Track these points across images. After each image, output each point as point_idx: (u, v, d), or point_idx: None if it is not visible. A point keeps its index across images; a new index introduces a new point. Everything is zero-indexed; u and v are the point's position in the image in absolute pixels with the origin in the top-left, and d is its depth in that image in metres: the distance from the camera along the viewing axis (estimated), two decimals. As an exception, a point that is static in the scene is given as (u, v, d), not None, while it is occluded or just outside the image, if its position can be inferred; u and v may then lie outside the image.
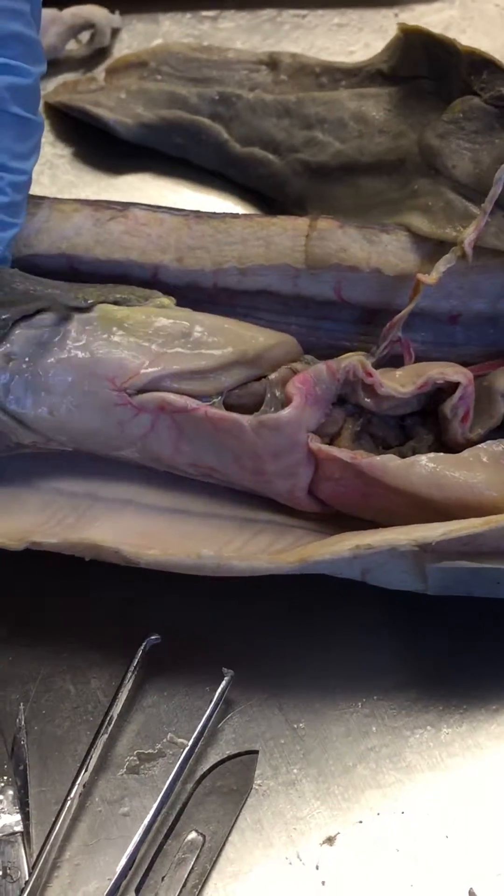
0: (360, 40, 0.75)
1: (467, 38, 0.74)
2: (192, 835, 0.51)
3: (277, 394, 0.53)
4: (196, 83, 0.70)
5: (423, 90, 0.61)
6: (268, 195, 0.68)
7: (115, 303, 0.54)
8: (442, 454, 0.52)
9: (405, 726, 0.55)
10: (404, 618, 0.56)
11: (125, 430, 0.53)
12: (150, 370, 0.53)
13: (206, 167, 0.70)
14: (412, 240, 0.56)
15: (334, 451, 0.53)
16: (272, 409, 0.53)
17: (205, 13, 0.76)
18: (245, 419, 0.52)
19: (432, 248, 0.56)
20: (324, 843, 0.52)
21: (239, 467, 0.54)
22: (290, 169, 0.66)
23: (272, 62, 0.69)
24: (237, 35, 0.75)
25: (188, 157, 0.70)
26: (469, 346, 0.59)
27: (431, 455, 0.52)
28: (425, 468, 0.52)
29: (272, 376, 0.54)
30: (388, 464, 0.52)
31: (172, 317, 0.54)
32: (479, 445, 0.53)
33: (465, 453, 0.53)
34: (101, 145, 0.71)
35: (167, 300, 0.55)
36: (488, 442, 0.53)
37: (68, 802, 0.50)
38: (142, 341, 0.53)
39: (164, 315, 0.54)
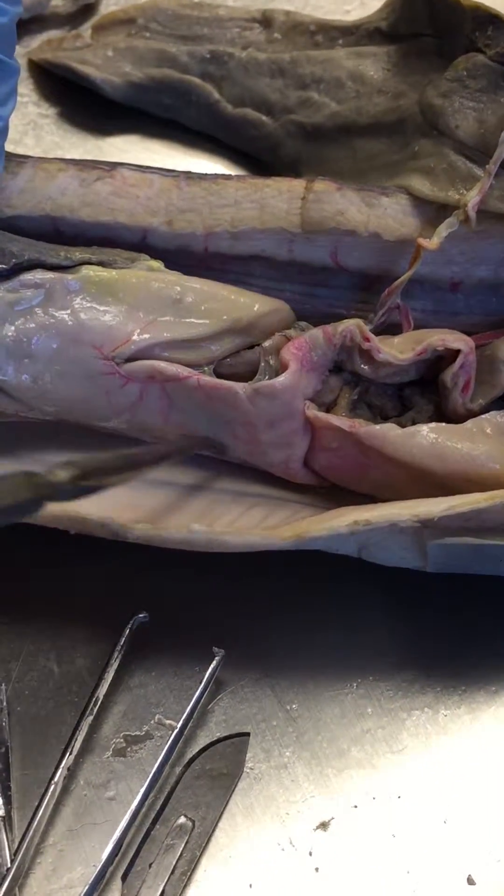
0: (357, -1, 0.73)
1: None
2: (181, 820, 0.49)
3: (272, 362, 0.51)
4: (186, 41, 0.67)
5: (425, 48, 0.59)
6: (260, 158, 0.66)
7: (101, 264, 0.51)
8: (444, 424, 0.51)
9: (402, 708, 0.53)
10: (402, 596, 0.55)
11: (112, 400, 0.51)
12: (139, 338, 0.51)
13: (196, 129, 0.68)
14: (413, 203, 0.54)
15: (332, 419, 0.51)
16: (266, 377, 0.51)
17: (196, -31, 0.73)
18: (240, 387, 0.50)
19: (434, 211, 0.54)
20: (317, 828, 0.50)
21: (232, 437, 0.52)
22: (284, 131, 0.63)
23: (265, 20, 0.66)
24: (229, -8, 0.73)
25: (178, 118, 0.68)
26: (470, 314, 0.57)
27: (433, 425, 0.50)
28: (426, 438, 0.50)
29: (266, 344, 0.52)
30: (387, 433, 0.50)
31: (163, 280, 0.52)
32: (483, 416, 0.51)
33: (468, 424, 0.51)
34: (87, 105, 0.68)
35: (156, 263, 0.52)
36: (492, 413, 0.51)
37: (52, 786, 0.49)
38: (131, 307, 0.51)
39: (153, 279, 0.51)
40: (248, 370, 0.52)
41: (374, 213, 0.54)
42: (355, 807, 0.51)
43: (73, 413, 0.52)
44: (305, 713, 0.52)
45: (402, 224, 0.54)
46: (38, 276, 0.50)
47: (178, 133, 0.68)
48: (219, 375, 0.52)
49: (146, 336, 0.51)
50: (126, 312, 0.51)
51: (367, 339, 0.51)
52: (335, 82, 0.61)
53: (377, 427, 0.50)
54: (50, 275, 0.50)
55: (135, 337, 0.50)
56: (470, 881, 0.49)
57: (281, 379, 0.50)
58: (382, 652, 0.54)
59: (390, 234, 0.54)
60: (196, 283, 0.52)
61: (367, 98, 0.60)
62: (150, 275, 0.52)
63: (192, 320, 0.51)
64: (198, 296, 0.51)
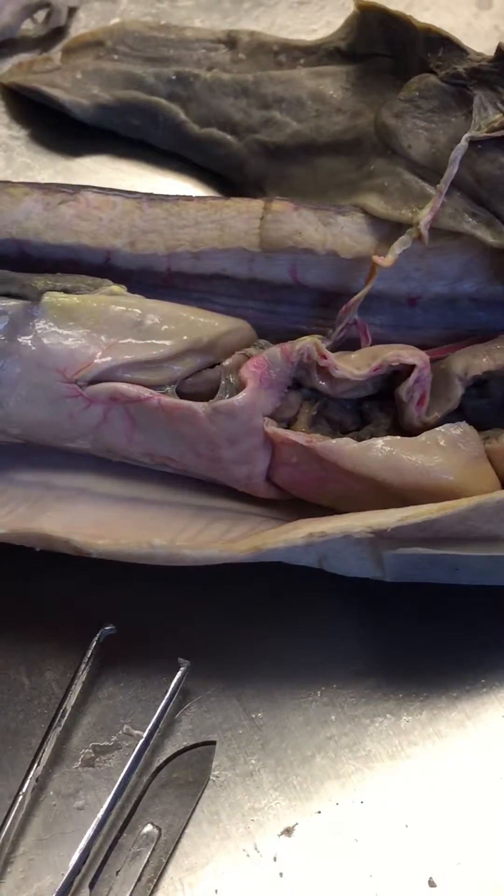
0: (322, 18, 0.74)
1: (430, 14, 0.73)
2: (148, 828, 0.50)
3: (232, 380, 0.53)
4: (153, 63, 0.68)
5: (382, 68, 0.60)
6: (227, 176, 0.67)
7: (65, 291, 0.53)
8: (398, 438, 0.52)
9: (364, 714, 0.54)
10: (364, 604, 0.56)
11: (77, 422, 0.52)
12: (101, 361, 0.52)
13: (164, 148, 0.69)
14: (368, 221, 0.55)
15: (290, 434, 0.52)
16: (227, 396, 0.52)
17: (164, -9, 0.75)
18: (199, 406, 0.51)
19: (389, 229, 0.55)
20: (282, 834, 0.51)
21: (195, 455, 0.53)
22: (248, 149, 0.64)
23: (230, 41, 0.68)
24: (196, 13, 0.74)
25: (146, 139, 0.69)
26: (428, 328, 0.58)
27: (388, 438, 0.51)
28: (381, 451, 0.51)
29: (226, 362, 0.53)
30: (343, 447, 0.51)
31: (124, 304, 0.53)
32: (437, 429, 0.52)
33: (422, 437, 0.52)
34: (57, 127, 0.70)
35: (117, 288, 0.54)
36: (446, 425, 0.52)
37: (21, 797, 0.50)
38: (92, 331, 0.52)
39: (114, 303, 0.53)
40: (209, 388, 0.53)
41: (330, 231, 0.55)
42: (319, 812, 0.52)
43: (38, 435, 0.53)
44: (270, 721, 0.54)
45: (358, 242, 0.55)
46: (0, 304, 0.52)
47: (146, 153, 0.69)
48: (181, 395, 0.53)
49: (108, 359, 0.52)
50: (88, 336, 0.52)
51: (324, 357, 0.52)
52: (296, 102, 0.63)
53: (334, 441, 0.51)
54: (12, 302, 0.52)
55: (97, 360, 0.52)
56: (431, 884, 0.50)
57: (239, 397, 0.51)
58: (346, 659, 0.55)
59: (347, 251, 0.55)
60: (156, 305, 0.53)
61: (326, 117, 0.61)
62: (110, 298, 0.53)
63: (154, 341, 0.52)
64: (158, 317, 0.53)
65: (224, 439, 0.52)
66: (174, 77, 0.67)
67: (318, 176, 0.61)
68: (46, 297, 0.52)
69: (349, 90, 0.61)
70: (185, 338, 0.52)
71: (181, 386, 0.53)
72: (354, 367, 0.53)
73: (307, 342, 0.52)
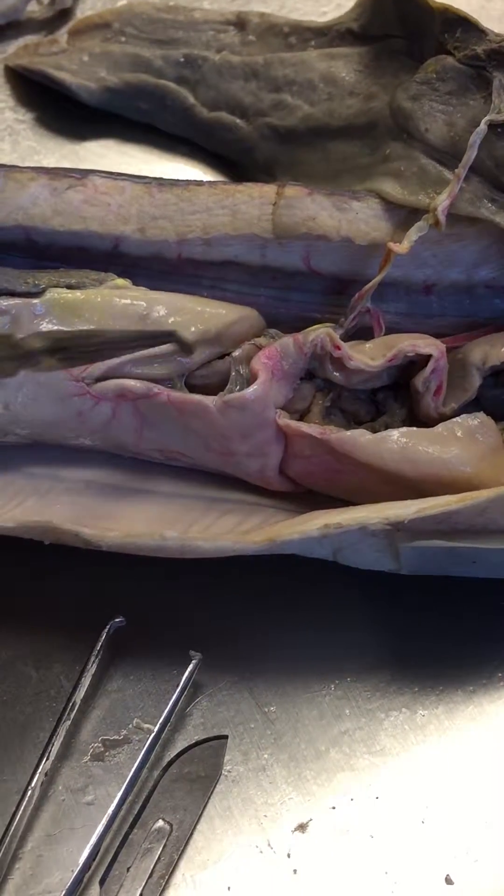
0: (333, 0, 0.73)
1: (442, -3, 0.72)
2: (159, 823, 0.49)
3: (242, 371, 0.52)
4: (161, 45, 0.67)
5: (396, 49, 0.59)
6: (236, 161, 0.66)
7: (69, 287, 0.52)
8: (414, 429, 0.51)
9: (379, 708, 0.53)
10: (379, 597, 0.55)
11: (86, 421, 0.52)
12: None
13: (172, 133, 0.68)
14: (384, 207, 0.54)
15: (303, 426, 0.51)
16: (237, 388, 0.51)
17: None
18: (209, 400, 0.50)
19: (405, 215, 0.54)
20: (295, 830, 0.50)
21: (207, 450, 0.52)
22: (259, 134, 0.63)
23: (240, 22, 0.66)
24: (205, -6, 0.73)
25: (154, 123, 0.68)
26: (444, 317, 0.57)
27: (404, 430, 0.50)
28: (397, 443, 0.50)
29: (235, 353, 0.52)
30: (358, 438, 0.50)
31: (129, 297, 0.52)
32: (454, 419, 0.51)
33: (439, 428, 0.51)
34: (63, 110, 0.69)
35: (122, 281, 0.52)
36: (463, 416, 0.51)
37: (30, 791, 0.49)
38: (97, 326, 0.51)
39: (119, 296, 0.51)
40: (220, 380, 0.52)
41: (345, 217, 0.54)
42: (333, 808, 0.51)
43: (47, 434, 0.52)
44: (283, 715, 0.53)
45: (374, 228, 0.54)
46: (3, 302, 0.50)
47: (154, 137, 0.68)
48: (191, 387, 0.52)
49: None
50: (93, 332, 0.51)
51: (338, 348, 0.51)
52: (307, 84, 0.61)
53: (348, 433, 0.50)
54: (15, 300, 0.51)
55: (103, 357, 0.51)
56: (448, 881, 0.50)
57: (251, 390, 0.50)
58: (360, 653, 0.54)
59: (362, 238, 0.54)
60: (161, 297, 0.52)
61: (338, 100, 0.60)
62: (115, 292, 0.52)
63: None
64: (164, 309, 0.51)
65: (236, 433, 0.51)
66: (182, 60, 0.66)
67: (331, 161, 0.60)
68: (50, 294, 0.51)
69: (362, 72, 0.60)
70: (192, 329, 0.51)
71: (190, 378, 0.52)
72: (369, 357, 0.52)
73: (321, 332, 0.51)
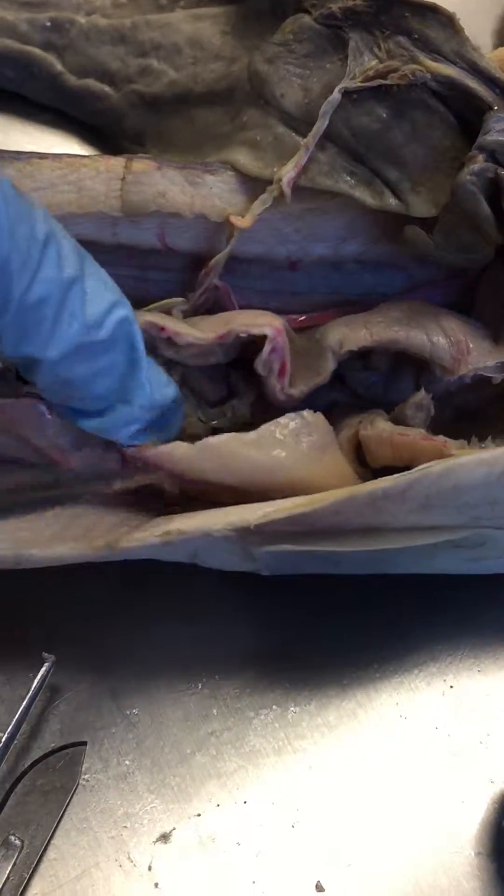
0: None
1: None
2: (9, 839, 0.47)
3: None
4: (28, 8, 0.64)
5: (262, 9, 0.56)
6: (106, 131, 0.62)
7: None
8: (233, 434, 0.47)
9: (249, 706, 0.51)
10: (247, 591, 0.52)
11: None
12: None
13: (41, 102, 0.64)
14: (239, 180, 0.51)
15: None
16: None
17: None
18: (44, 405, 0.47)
19: (261, 188, 0.51)
20: (157, 840, 0.48)
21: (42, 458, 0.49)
22: (127, 102, 0.60)
23: (110, -18, 0.63)
24: (77, -47, 0.69)
25: (21, 92, 0.64)
26: (313, 294, 0.54)
27: (223, 436, 0.47)
28: (213, 452, 0.47)
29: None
30: (174, 452, 0.47)
31: None
32: (274, 421, 0.48)
33: (258, 430, 0.47)
34: None
35: None
36: (285, 416, 0.48)
37: None
38: None
39: None
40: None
41: (198, 192, 0.51)
42: (198, 815, 0.49)
43: None
44: (147, 718, 0.50)
45: (229, 203, 0.51)
46: None
47: (22, 107, 0.64)
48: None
49: None
50: None
51: (162, 329, 0.48)
52: (173, 48, 0.58)
53: (165, 448, 0.47)
54: None
55: None
56: (319, 888, 0.47)
57: None
58: (229, 649, 0.52)
59: (217, 214, 0.51)
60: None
61: (203, 64, 0.57)
62: None
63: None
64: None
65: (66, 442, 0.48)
66: (49, 24, 0.63)
67: (196, 129, 0.56)
68: None
69: (228, 34, 0.57)
70: None
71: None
72: (201, 331, 0.48)
73: (147, 317, 0.48)
